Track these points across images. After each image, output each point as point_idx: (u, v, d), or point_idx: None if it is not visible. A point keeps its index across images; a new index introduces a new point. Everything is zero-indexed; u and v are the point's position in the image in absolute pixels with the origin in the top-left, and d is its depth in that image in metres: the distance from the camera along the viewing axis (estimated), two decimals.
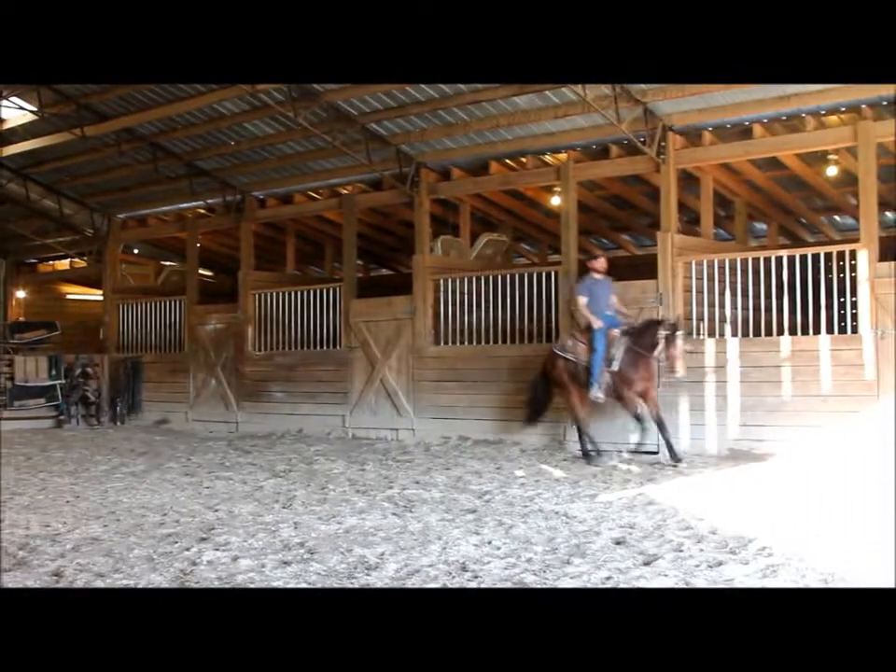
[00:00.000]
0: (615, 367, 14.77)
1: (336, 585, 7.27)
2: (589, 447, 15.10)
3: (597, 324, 14.97)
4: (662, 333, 14.36)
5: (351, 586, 7.23)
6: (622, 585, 7.09)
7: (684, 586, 7.03)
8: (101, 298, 26.81)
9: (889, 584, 6.83)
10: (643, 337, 14.65)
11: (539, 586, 7.11)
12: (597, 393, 14.90)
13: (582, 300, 15.31)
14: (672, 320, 14.62)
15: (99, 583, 7.41)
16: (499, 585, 7.16)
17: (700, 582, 7.10)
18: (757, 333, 15.54)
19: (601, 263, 15.51)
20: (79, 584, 7.41)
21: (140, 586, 7.31)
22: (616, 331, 14.96)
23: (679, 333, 14.27)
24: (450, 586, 7.16)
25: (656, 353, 14.49)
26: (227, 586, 7.30)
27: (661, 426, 14.63)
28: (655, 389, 14.99)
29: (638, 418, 14.86)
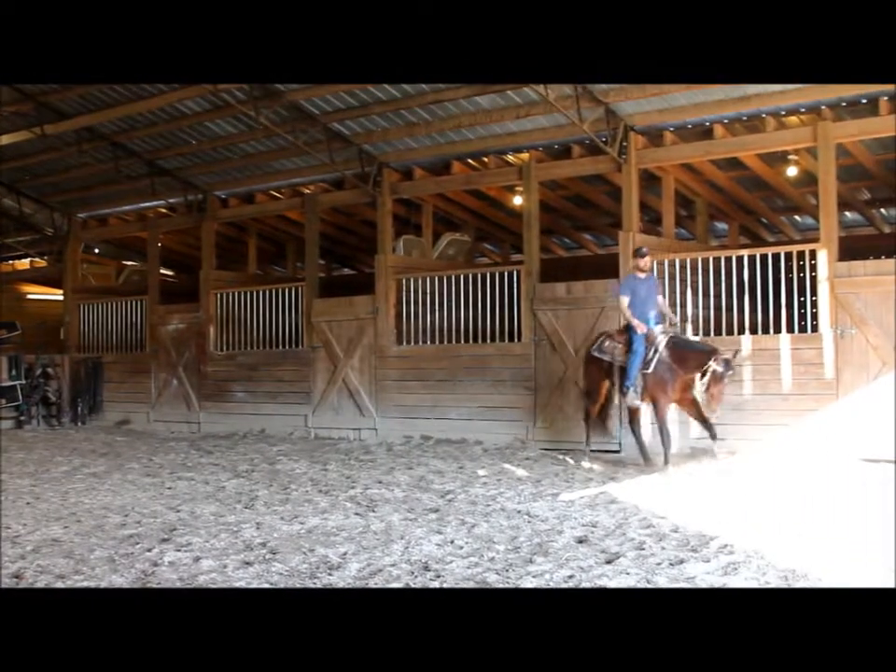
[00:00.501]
0: (650, 369, 13.69)
1: (298, 585, 7.25)
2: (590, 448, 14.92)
3: (640, 328, 13.79)
4: (713, 367, 13.09)
5: (313, 586, 7.22)
6: (584, 584, 7.11)
7: (647, 585, 7.06)
8: (61, 298, 26.61)
9: (850, 582, 6.89)
10: (690, 358, 13.50)
11: (501, 585, 7.12)
12: (633, 398, 13.96)
13: (624, 300, 14.15)
14: (727, 356, 13.29)
15: (59, 585, 7.37)
16: (462, 585, 7.16)
17: (662, 580, 7.12)
18: (718, 332, 15.62)
19: (646, 262, 14.16)
20: (40, 586, 7.37)
21: (101, 587, 7.27)
22: (657, 331, 13.88)
23: (729, 373, 13.24)
24: (413, 586, 7.16)
25: (698, 382, 13.35)
26: (189, 587, 7.27)
27: (663, 434, 13.82)
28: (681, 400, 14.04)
29: (661, 430, 13.87)
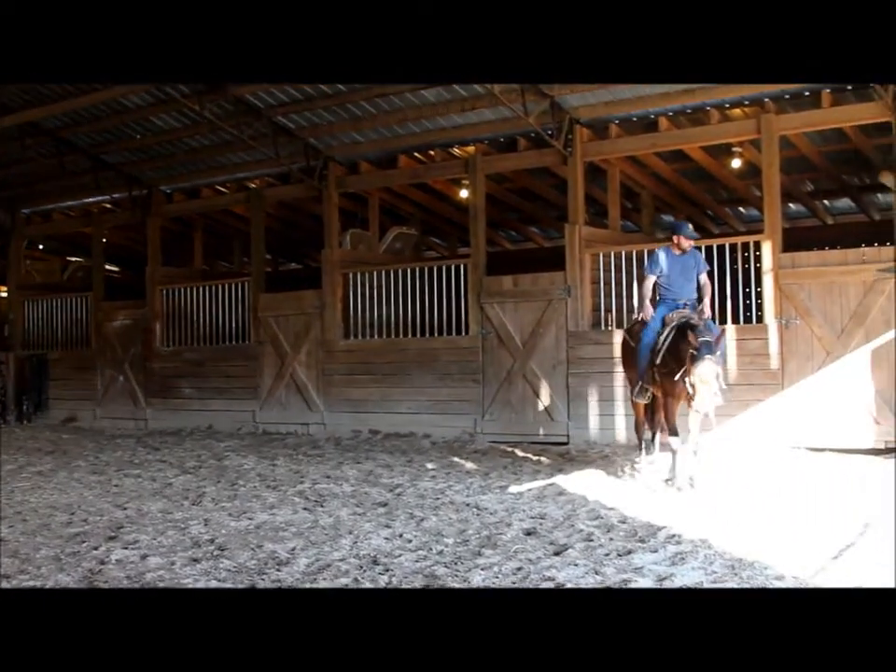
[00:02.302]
0: (658, 360, 11.30)
1: (247, 581, 7.23)
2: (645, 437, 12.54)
3: (646, 315, 11.87)
4: (690, 352, 10.53)
5: (262, 582, 7.20)
6: (532, 576, 7.13)
7: (596, 576, 7.09)
8: (5, 294, 26.35)
9: (796, 571, 6.95)
10: (682, 345, 10.79)
11: (450, 579, 7.13)
12: (636, 394, 11.99)
13: (649, 279, 11.88)
14: (707, 337, 10.58)
15: (4, 584, 7.30)
16: (410, 578, 7.17)
17: (610, 571, 7.16)
18: None
19: (687, 243, 11.71)
20: None
21: (48, 587, 7.22)
22: (674, 316, 11.40)
23: (707, 358, 10.37)
24: (361, 580, 7.16)
25: (679, 373, 10.79)
26: (136, 585, 7.23)
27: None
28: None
29: (673, 431, 11.36)
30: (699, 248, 12.94)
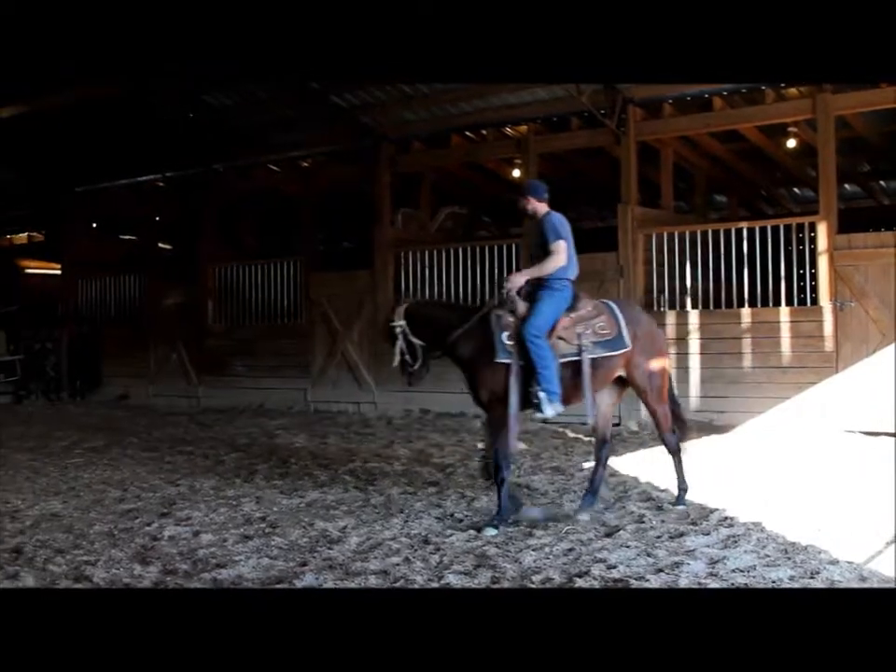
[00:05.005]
0: None
1: (298, 559, 7.27)
2: None
3: None
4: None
5: (313, 560, 7.23)
6: (584, 557, 7.12)
7: (647, 558, 7.07)
8: (60, 272, 26.53)
9: (851, 555, 6.90)
10: None
11: (501, 559, 7.13)
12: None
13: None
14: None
15: (59, 559, 7.38)
16: (461, 558, 7.18)
17: (662, 553, 7.14)
18: (717, 305, 15.60)
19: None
20: (39, 560, 7.38)
21: (101, 562, 7.28)
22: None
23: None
24: (411, 559, 7.17)
25: None
26: (188, 562, 7.28)
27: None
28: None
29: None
30: (752, 229, 12.74)
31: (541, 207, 9.11)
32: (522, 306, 8.72)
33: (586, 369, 8.67)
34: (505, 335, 8.59)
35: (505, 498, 8.49)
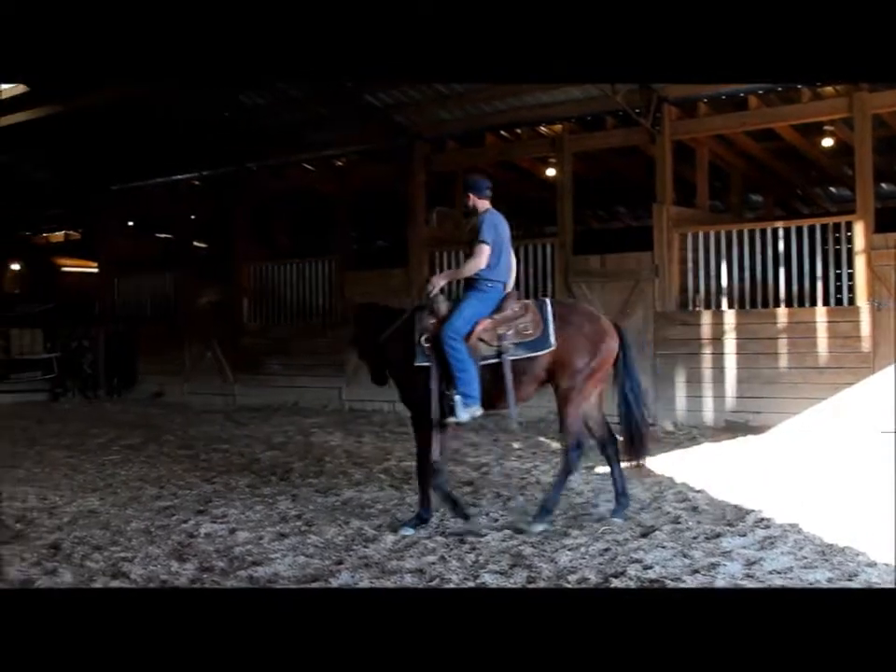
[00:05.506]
0: None
1: (334, 557, 7.29)
2: None
3: None
4: None
5: (349, 558, 7.25)
6: (620, 557, 7.11)
7: (684, 559, 7.05)
8: (96, 270, 26.68)
9: (888, 557, 6.86)
10: None
11: (537, 559, 7.13)
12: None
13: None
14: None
15: (96, 556, 7.43)
16: (497, 557, 7.18)
17: (698, 554, 7.11)
18: (753, 305, 15.53)
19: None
20: (77, 557, 7.43)
21: (138, 559, 7.32)
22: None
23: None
24: (447, 558, 7.18)
25: None
26: (224, 559, 7.31)
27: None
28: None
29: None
30: (788, 229, 12.74)
31: (481, 204, 8.89)
32: (443, 308, 8.62)
33: (507, 371, 8.43)
34: (423, 338, 8.51)
35: (428, 500, 8.54)
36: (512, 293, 8.87)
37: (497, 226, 8.75)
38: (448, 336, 8.35)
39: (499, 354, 8.45)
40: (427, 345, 8.47)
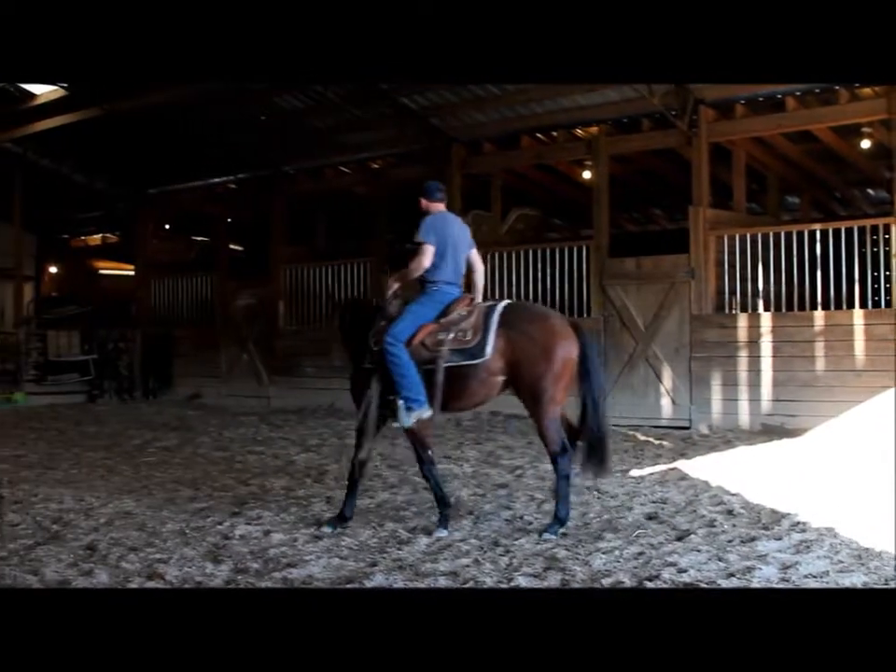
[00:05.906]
0: None
1: (368, 559, 7.29)
2: None
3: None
4: None
5: (383, 560, 7.25)
6: (654, 560, 7.09)
7: (719, 563, 7.02)
8: (133, 273, 26.82)
9: None
10: None
11: (571, 561, 7.11)
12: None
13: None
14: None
15: (132, 557, 7.45)
16: (531, 560, 7.17)
17: (733, 558, 7.08)
18: (789, 308, 15.48)
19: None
20: (112, 558, 7.45)
21: (173, 560, 7.35)
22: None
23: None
24: (481, 561, 7.17)
25: None
26: (259, 561, 7.33)
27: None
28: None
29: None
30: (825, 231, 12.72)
31: (433, 207, 8.94)
32: (393, 311, 8.64)
33: (439, 378, 8.27)
34: (373, 341, 8.54)
35: (352, 500, 8.69)
36: (465, 296, 8.74)
37: (438, 227, 8.73)
38: (387, 340, 8.34)
39: (434, 360, 8.32)
40: (375, 349, 8.49)
